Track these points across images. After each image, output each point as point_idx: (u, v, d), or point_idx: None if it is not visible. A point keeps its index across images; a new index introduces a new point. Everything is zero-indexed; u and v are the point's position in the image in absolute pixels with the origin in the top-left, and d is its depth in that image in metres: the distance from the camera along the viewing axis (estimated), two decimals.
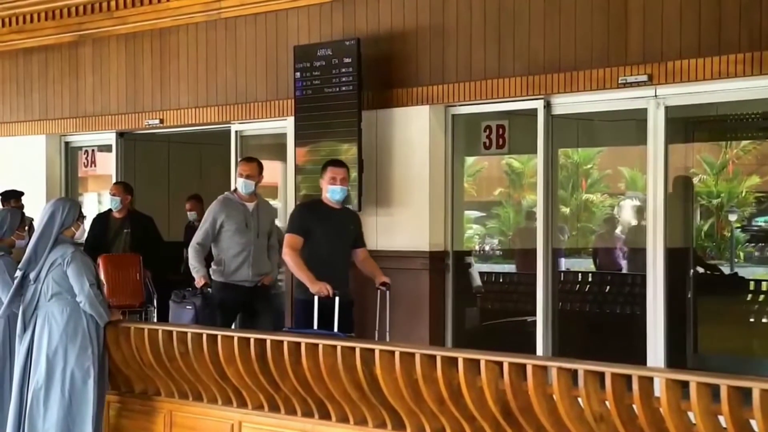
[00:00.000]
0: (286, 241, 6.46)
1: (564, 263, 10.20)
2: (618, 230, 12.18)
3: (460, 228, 8.19)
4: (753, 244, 16.07)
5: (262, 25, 8.65)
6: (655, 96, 6.92)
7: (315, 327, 6.10)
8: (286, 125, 8.46)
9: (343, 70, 7.82)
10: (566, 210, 15.63)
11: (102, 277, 7.93)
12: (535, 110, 7.42)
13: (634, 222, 11.33)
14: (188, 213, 9.87)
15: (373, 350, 4.81)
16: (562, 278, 9.80)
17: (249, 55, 8.76)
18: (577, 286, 9.94)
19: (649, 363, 6.79)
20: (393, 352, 4.76)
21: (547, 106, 7.39)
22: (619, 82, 6.88)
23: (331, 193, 6.54)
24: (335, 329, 6.17)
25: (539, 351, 7.31)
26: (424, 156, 7.79)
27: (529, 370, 4.39)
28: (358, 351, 4.85)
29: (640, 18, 6.81)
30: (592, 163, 17.55)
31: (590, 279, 10.39)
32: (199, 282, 7.11)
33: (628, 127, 7.95)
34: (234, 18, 8.82)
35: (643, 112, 6.99)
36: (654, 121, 6.97)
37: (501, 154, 8.78)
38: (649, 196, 7.10)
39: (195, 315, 7.05)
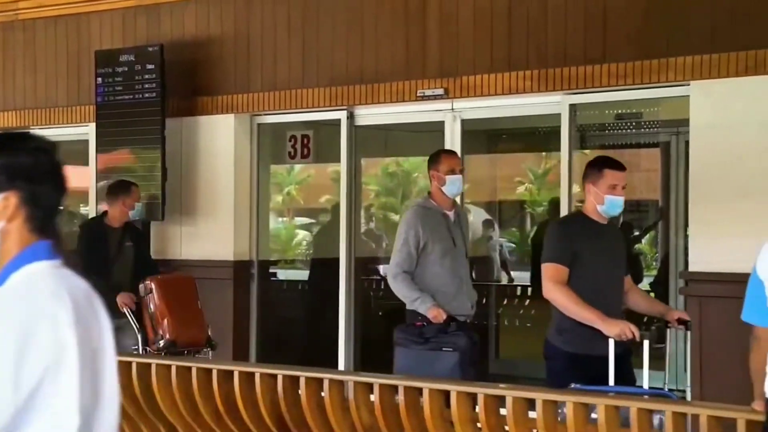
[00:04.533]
0: (547, 273, 4.66)
1: (383, 270, 10.34)
2: None
3: (266, 237, 8.19)
4: None
5: (62, 28, 8.42)
6: (452, 109, 7.13)
7: (612, 382, 4.44)
8: (88, 131, 8.26)
9: (146, 76, 7.70)
10: (396, 218, 15.83)
11: (161, 307, 6.28)
12: (338, 121, 7.51)
13: None
14: None
15: (149, 365, 4.75)
16: (375, 286, 9.93)
17: (49, 58, 8.51)
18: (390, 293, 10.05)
19: None
20: (170, 367, 4.71)
21: (351, 116, 7.50)
22: (418, 95, 7.06)
23: (611, 205, 4.72)
24: (645, 384, 4.45)
25: (341, 361, 7.38)
26: (229, 165, 7.76)
27: (302, 382, 4.43)
28: (134, 366, 4.77)
29: (437, 34, 6.99)
30: (419, 171, 17.84)
31: None
32: (438, 315, 5.20)
33: (432, 138, 8.14)
34: (33, 20, 8.55)
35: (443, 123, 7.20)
36: (451, 133, 7.17)
37: (305, 163, 8.84)
38: None
39: (460, 360, 5.11)
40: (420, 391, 4.20)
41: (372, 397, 4.29)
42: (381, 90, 7.19)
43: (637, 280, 9.60)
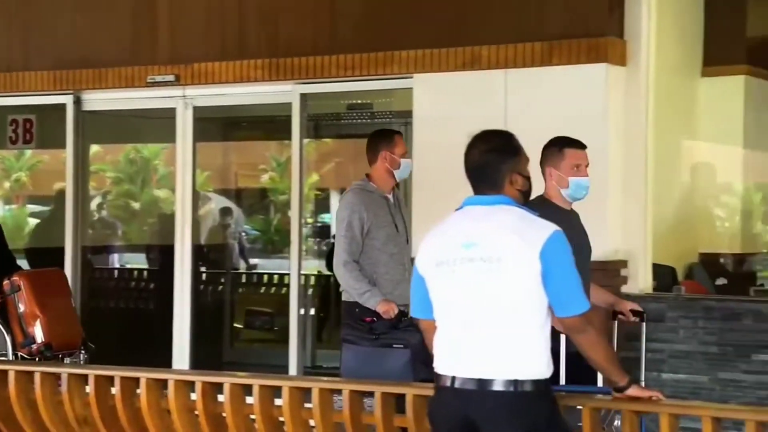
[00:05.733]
0: None
1: (117, 259, 10.09)
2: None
3: None
4: (317, 239, 17.02)
5: None
6: (184, 96, 7.05)
7: (563, 381, 4.14)
8: None
9: None
10: (137, 205, 15.46)
11: (31, 307, 5.61)
12: (64, 105, 7.25)
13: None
14: None
15: None
16: (110, 275, 9.67)
17: None
18: (124, 282, 9.85)
19: (175, 359, 6.89)
20: None
21: (77, 101, 7.26)
22: (148, 80, 6.95)
23: (576, 188, 4.36)
24: (600, 381, 4.15)
25: None
26: None
27: (12, 376, 4.25)
28: None
29: (168, 19, 6.91)
30: (159, 158, 17.51)
31: (143, 276, 10.33)
32: (389, 310, 4.82)
33: (165, 125, 8.02)
34: None
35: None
36: (183, 120, 7.11)
37: (28, 148, 8.48)
38: (177, 192, 7.23)
39: (411, 358, 4.73)
40: (136, 380, 4.14)
41: (87, 389, 4.18)
42: (109, 75, 7.03)
43: None
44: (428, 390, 3.65)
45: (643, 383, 4.27)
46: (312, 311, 8.50)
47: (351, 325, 4.90)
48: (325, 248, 11.57)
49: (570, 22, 5.85)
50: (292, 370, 6.61)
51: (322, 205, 17.38)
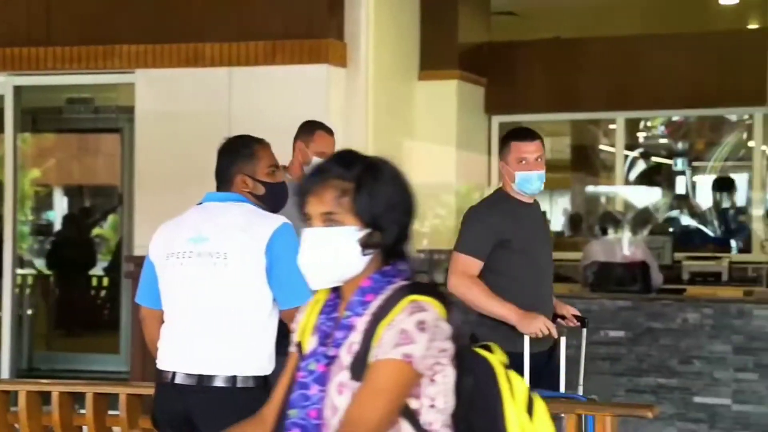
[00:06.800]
0: (455, 265, 3.99)
1: None
2: None
3: None
4: (39, 238, 16.30)
5: None
6: None
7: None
8: None
9: None
10: None
11: None
12: None
13: None
14: None
15: None
16: None
17: None
18: None
19: None
20: None
21: None
22: None
23: (524, 181, 4.06)
24: (562, 387, 3.96)
25: None
26: None
27: None
28: None
29: None
30: None
31: None
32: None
33: None
34: None
35: None
36: None
37: None
38: None
39: None
40: None
41: None
42: None
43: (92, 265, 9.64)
44: (141, 389, 3.63)
45: (581, 388, 4.12)
46: (29, 312, 8.14)
47: (286, 335, 4.32)
48: (48, 247, 11.10)
49: (292, 23, 5.96)
50: (5, 373, 6.31)
51: (45, 202, 16.63)
